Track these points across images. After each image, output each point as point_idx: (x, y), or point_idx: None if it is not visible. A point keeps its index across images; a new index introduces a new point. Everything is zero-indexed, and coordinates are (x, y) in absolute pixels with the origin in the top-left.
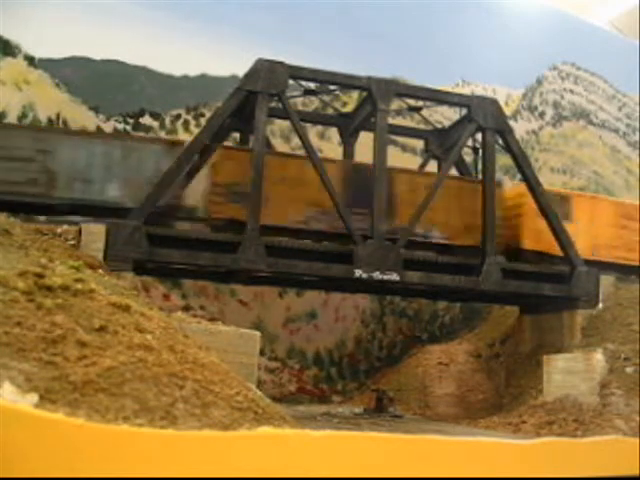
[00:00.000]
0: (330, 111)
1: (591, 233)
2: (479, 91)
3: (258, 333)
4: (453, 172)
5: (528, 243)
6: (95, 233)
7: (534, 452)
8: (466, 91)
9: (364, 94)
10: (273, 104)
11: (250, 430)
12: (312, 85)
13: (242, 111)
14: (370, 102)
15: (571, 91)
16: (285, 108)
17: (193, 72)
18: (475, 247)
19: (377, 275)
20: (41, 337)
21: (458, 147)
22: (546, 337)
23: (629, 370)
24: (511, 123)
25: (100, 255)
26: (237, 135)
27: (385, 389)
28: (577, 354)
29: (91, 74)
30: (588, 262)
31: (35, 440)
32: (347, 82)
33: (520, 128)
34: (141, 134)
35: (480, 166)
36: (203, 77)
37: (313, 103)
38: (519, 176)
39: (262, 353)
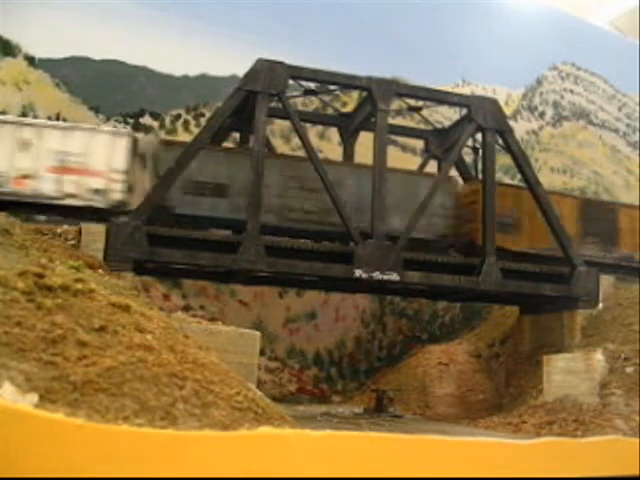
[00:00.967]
0: (330, 111)
1: None
2: (479, 91)
3: (258, 333)
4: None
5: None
6: (95, 233)
7: (534, 452)
8: (466, 91)
9: (364, 94)
10: (273, 104)
11: (250, 430)
12: (312, 85)
13: (242, 111)
14: (370, 102)
15: (571, 91)
16: (285, 108)
17: (193, 72)
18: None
19: (377, 275)
20: (41, 337)
21: (458, 147)
22: (546, 337)
23: (629, 370)
24: (511, 123)
25: (100, 255)
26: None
27: (385, 389)
28: (577, 354)
29: (91, 74)
30: None
31: (35, 440)
32: (347, 82)
33: (520, 128)
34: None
35: (480, 166)
36: (203, 77)
37: (313, 103)
38: (519, 176)
39: (262, 353)
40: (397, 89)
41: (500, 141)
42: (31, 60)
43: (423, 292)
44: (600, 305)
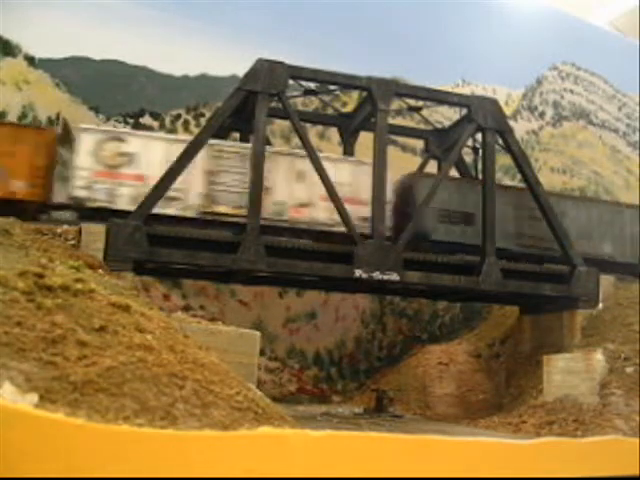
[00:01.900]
0: (330, 111)
1: None
2: (479, 91)
3: (258, 333)
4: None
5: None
6: (95, 233)
7: (534, 452)
8: (466, 91)
9: (364, 94)
10: (273, 104)
11: (250, 430)
12: (312, 85)
13: (242, 111)
14: (370, 102)
15: (571, 91)
16: (285, 108)
17: (193, 72)
18: None
19: (377, 275)
20: (41, 337)
21: (458, 147)
22: (546, 337)
23: (629, 370)
24: (511, 123)
25: (100, 255)
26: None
27: (385, 389)
28: (577, 354)
29: (91, 74)
30: None
31: (35, 440)
32: (347, 82)
33: (520, 128)
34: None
35: (480, 166)
36: (203, 77)
37: (313, 103)
38: (519, 176)
39: (262, 353)
40: (397, 89)
41: (500, 141)
42: (31, 60)
43: (423, 292)
44: (600, 305)
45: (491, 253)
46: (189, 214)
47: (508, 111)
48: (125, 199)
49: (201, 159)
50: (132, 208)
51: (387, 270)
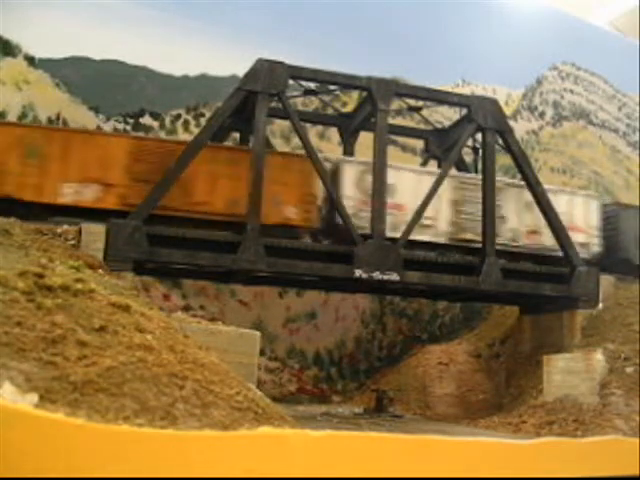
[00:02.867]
0: (330, 111)
1: None
2: (479, 91)
3: (258, 333)
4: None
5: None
6: (95, 233)
7: (534, 452)
8: (466, 91)
9: (364, 94)
10: (273, 104)
11: (250, 430)
12: (312, 85)
13: (242, 111)
14: (370, 102)
15: (571, 91)
16: (285, 108)
17: (193, 72)
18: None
19: (377, 275)
20: (41, 337)
21: (458, 147)
22: (546, 337)
23: (629, 370)
24: (511, 123)
25: (100, 255)
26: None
27: (385, 389)
28: (577, 354)
29: (91, 74)
30: None
31: (35, 440)
32: (347, 82)
33: (520, 128)
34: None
35: (480, 166)
36: (203, 77)
37: (313, 103)
38: (519, 176)
39: (262, 353)
40: (397, 89)
41: (500, 141)
42: (31, 60)
43: (423, 292)
44: (600, 305)
45: (491, 253)
46: (441, 240)
47: (508, 111)
48: (387, 226)
49: (446, 190)
50: (392, 234)
51: (387, 270)
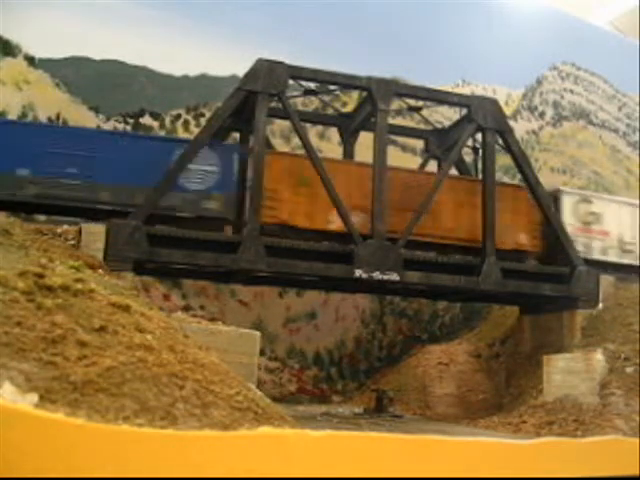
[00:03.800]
0: (330, 111)
1: None
2: (479, 91)
3: (258, 333)
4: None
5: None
6: (95, 233)
7: (534, 452)
8: (466, 91)
9: (364, 94)
10: (273, 104)
11: (250, 430)
12: (312, 85)
13: (242, 111)
14: (370, 102)
15: (571, 91)
16: (285, 108)
17: (193, 72)
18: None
19: (377, 275)
20: (41, 337)
21: (458, 147)
22: (546, 337)
23: (629, 370)
24: (511, 123)
25: (100, 255)
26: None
27: (385, 389)
28: (577, 354)
29: (91, 74)
30: None
31: (35, 440)
32: (347, 82)
33: (520, 128)
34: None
35: (480, 166)
36: (203, 77)
37: (313, 103)
38: (519, 176)
39: (262, 353)
40: (397, 89)
41: (500, 141)
42: (31, 60)
43: (423, 292)
44: (600, 305)
45: (491, 253)
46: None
47: (508, 111)
48: (597, 250)
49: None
50: (601, 258)
51: (387, 270)
